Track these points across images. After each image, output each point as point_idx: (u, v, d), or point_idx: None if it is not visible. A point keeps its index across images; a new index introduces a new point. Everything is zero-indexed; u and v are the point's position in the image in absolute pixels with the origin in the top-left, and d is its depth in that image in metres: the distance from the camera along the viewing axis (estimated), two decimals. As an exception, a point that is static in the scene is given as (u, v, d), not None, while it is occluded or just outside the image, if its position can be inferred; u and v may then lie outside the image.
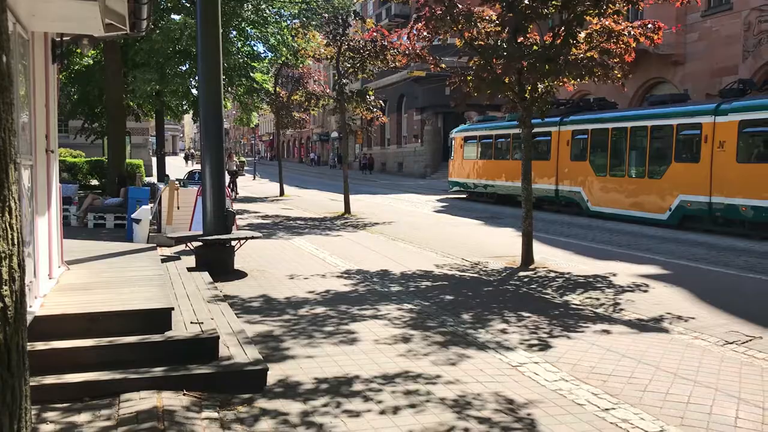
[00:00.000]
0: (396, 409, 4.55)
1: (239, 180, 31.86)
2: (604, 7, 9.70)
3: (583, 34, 10.10)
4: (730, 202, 15.34)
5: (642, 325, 6.99)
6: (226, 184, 21.33)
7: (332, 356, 5.71)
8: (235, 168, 27.50)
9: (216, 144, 9.97)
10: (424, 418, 4.41)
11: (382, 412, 4.49)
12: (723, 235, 15.48)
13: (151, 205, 13.47)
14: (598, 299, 8.25)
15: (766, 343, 6.34)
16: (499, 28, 10.45)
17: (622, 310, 7.69)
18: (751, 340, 6.42)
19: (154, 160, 34.39)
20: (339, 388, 4.96)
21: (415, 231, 15.48)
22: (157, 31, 18.48)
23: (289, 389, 4.92)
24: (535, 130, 16.49)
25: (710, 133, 15.91)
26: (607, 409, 4.60)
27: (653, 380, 5.22)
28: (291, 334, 6.39)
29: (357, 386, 5.00)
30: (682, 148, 17.05)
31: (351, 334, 6.41)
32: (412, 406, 4.61)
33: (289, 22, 23.06)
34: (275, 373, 5.22)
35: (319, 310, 7.43)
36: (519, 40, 10.35)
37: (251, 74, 22.84)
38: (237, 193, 26.25)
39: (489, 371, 5.39)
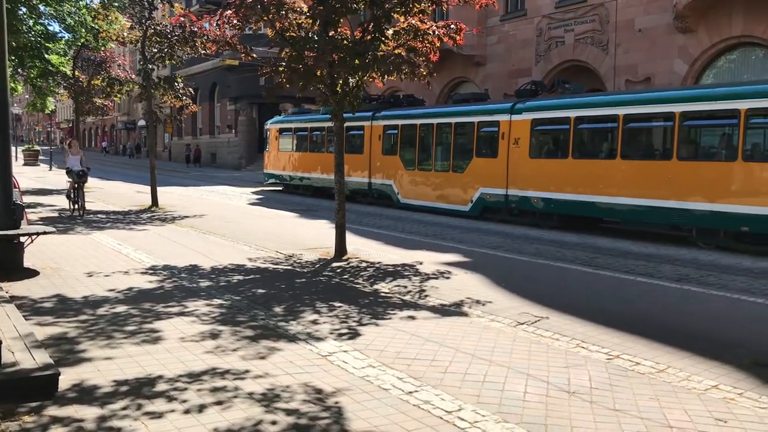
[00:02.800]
0: (202, 408, 4.40)
1: (35, 173, 29.01)
2: (410, 5, 10.06)
3: (391, 31, 10.41)
4: (524, 194, 16.65)
5: (444, 310, 7.37)
6: (67, 192, 15.77)
7: (134, 357, 5.41)
8: (81, 168, 16.18)
9: (1, 130, 9.02)
10: (231, 414, 4.31)
11: (187, 412, 4.33)
12: (518, 225, 16.78)
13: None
14: (405, 287, 8.57)
15: (552, 322, 6.93)
16: (311, 21, 10.48)
17: (427, 296, 8.06)
18: (539, 321, 6.99)
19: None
20: (140, 389, 4.71)
21: (228, 224, 15.14)
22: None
23: (85, 394, 4.59)
24: (349, 124, 16.76)
25: (507, 130, 17.15)
26: (410, 392, 4.79)
27: (453, 362, 5.51)
28: (88, 336, 5.96)
29: (160, 386, 4.78)
30: (483, 144, 18.22)
31: (155, 333, 6.11)
32: (219, 403, 4.50)
33: (88, 1, 21.47)
34: (69, 377, 4.84)
35: (121, 308, 7.01)
36: (330, 34, 10.44)
37: (45, 56, 20.99)
38: (84, 209, 16.14)
39: (299, 362, 5.40)
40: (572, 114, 15.72)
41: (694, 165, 13.36)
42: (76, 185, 16.00)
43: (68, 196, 16.53)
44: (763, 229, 11.67)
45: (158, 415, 4.26)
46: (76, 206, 16.07)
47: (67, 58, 24.34)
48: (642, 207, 14.11)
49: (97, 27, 20.45)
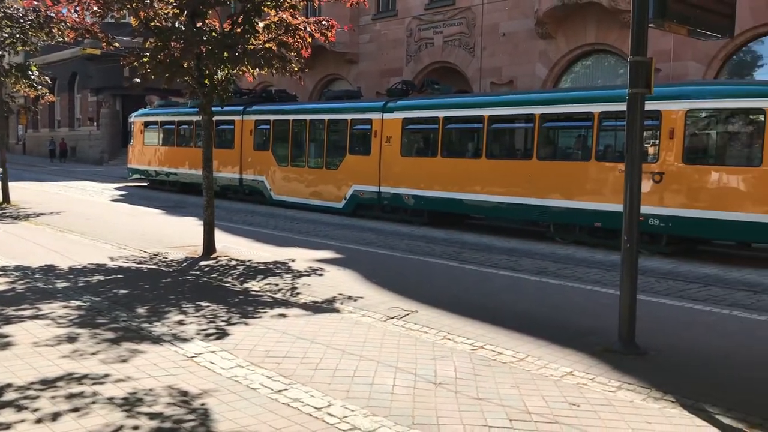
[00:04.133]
0: (56, 416, 4.15)
1: None
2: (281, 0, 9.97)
3: (261, 25, 10.25)
4: (396, 191, 16.94)
5: (316, 307, 7.36)
6: None
7: (-21, 365, 5.01)
8: None
9: None
10: (88, 421, 4.09)
11: (39, 421, 4.07)
12: (390, 221, 17.05)
13: None
14: (276, 285, 8.48)
15: (421, 316, 7.10)
16: (177, 11, 10.12)
17: (298, 293, 8.02)
18: (408, 314, 7.14)
19: None
20: (-14, 399, 4.37)
21: (89, 221, 14.35)
22: None
23: None
24: (219, 118, 16.33)
25: (379, 128, 17.37)
26: (280, 391, 4.74)
27: (324, 358, 5.52)
28: (-75, 344, 5.46)
29: (9, 395, 4.45)
30: (356, 141, 18.36)
31: (4, 338, 5.69)
32: (76, 410, 4.25)
33: None
34: None
35: (-36, 313, 6.47)
36: (198, 25, 10.14)
37: None
38: None
39: (163, 365, 5.21)
40: (441, 114, 16.16)
41: (552, 164, 14.11)
42: None
43: None
44: (614, 224, 12.50)
45: (5, 427, 3.97)
46: None
47: None
48: (505, 204, 14.75)
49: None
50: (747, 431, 4.37)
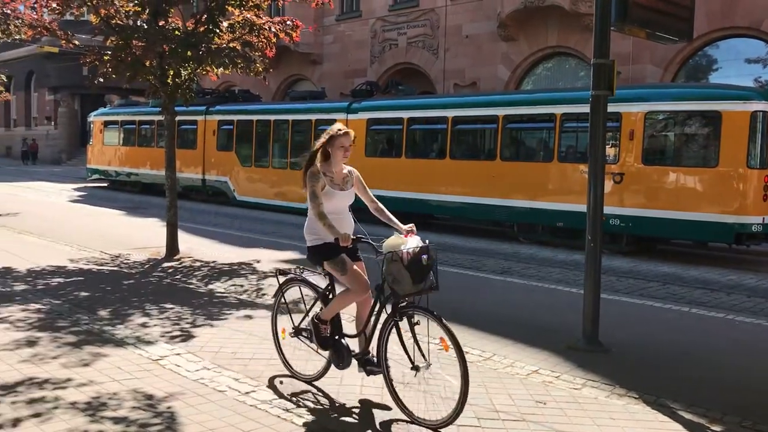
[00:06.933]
0: (17, 422, 4.05)
1: None
2: (245, -1, 9.91)
3: (225, 24, 10.16)
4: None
5: (282, 309, 7.30)
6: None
7: (-66, 370, 4.87)
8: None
9: None
10: (51, 426, 4.01)
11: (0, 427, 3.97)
12: (358, 222, 16.99)
13: None
14: (242, 286, 8.41)
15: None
16: (139, 8, 9.97)
17: (264, 294, 7.95)
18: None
19: None
20: (-57, 406, 4.24)
21: (47, 223, 14.04)
22: None
23: None
24: (181, 118, 16.11)
25: (343, 128, 17.31)
26: (247, 393, 4.71)
27: (291, 359, 5.48)
28: None
29: (-33, 402, 4.34)
30: (320, 141, 18.26)
31: (-39, 343, 5.54)
32: (37, 415, 4.16)
33: None
34: None
35: None
36: (160, 24, 10.01)
37: None
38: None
39: (127, 368, 5.12)
40: (405, 115, 16.21)
41: (515, 165, 14.26)
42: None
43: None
44: (575, 224, 12.70)
45: (-36, 434, 3.87)
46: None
47: None
48: (469, 204, 14.87)
49: None
50: (708, 426, 4.47)
